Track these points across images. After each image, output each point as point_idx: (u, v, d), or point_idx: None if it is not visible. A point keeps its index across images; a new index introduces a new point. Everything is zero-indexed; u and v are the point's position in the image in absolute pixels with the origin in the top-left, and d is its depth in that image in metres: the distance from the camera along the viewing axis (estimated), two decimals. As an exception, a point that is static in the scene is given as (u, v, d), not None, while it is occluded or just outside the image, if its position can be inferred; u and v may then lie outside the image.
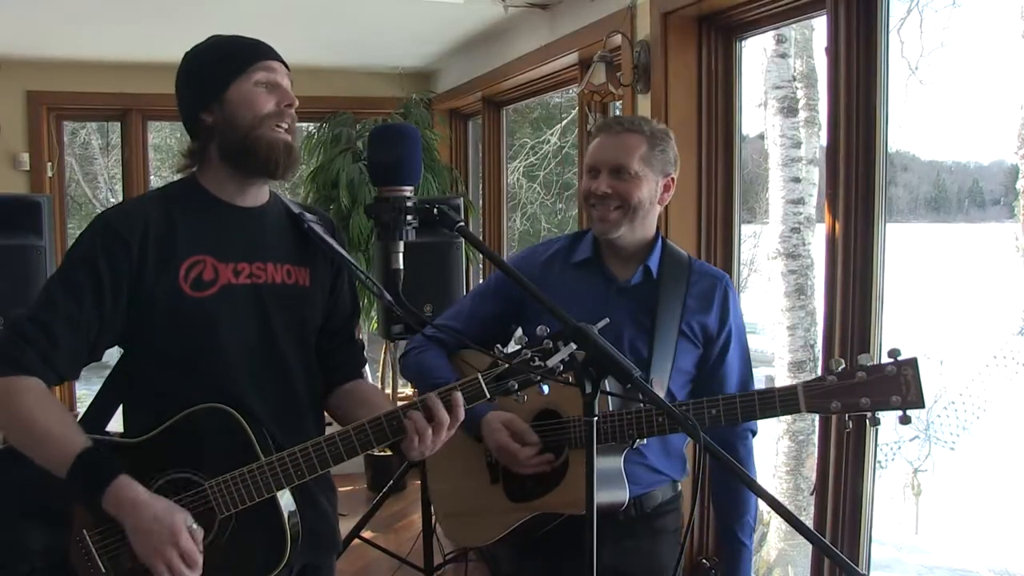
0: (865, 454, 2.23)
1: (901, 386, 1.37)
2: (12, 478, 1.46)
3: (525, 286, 1.38)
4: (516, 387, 1.36)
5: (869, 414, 1.42)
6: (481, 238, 4.54)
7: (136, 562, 1.38)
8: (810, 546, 2.11)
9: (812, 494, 2.44)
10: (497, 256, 1.44)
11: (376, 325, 3.65)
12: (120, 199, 5.20)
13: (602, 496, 1.62)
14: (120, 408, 1.57)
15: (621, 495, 1.68)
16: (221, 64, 1.49)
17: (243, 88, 1.48)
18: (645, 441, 1.67)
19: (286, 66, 1.54)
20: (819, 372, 2.33)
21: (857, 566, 2.19)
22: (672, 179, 1.79)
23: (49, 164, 4.75)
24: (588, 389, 1.25)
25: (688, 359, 1.78)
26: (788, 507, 1.30)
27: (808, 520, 2.57)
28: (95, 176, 9.95)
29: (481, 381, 1.38)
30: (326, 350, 1.65)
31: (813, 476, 2.60)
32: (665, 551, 1.82)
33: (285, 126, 1.50)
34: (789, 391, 1.49)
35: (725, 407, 1.56)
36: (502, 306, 1.85)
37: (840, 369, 1.44)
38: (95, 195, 9.81)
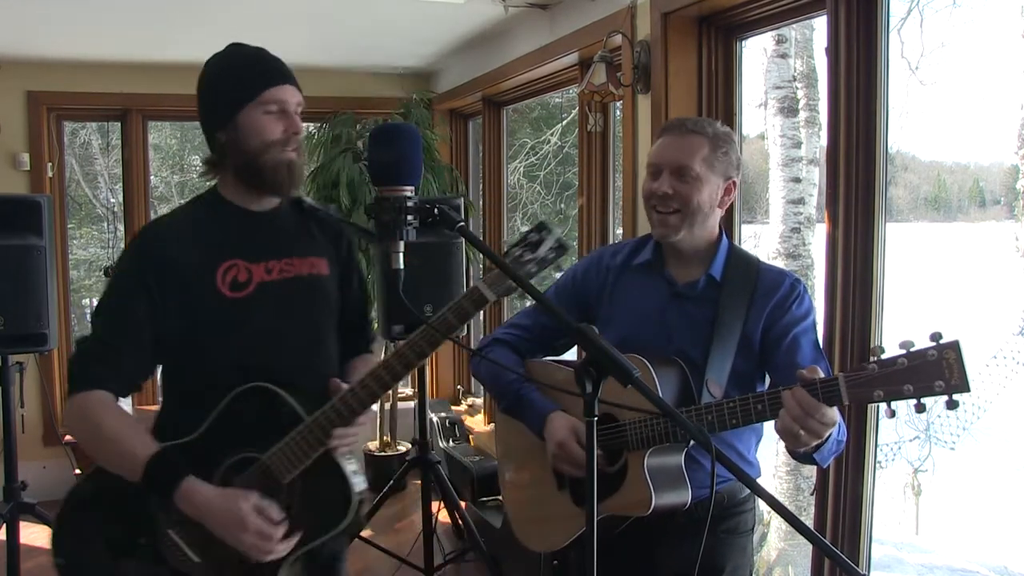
0: (865, 454, 2.23)
1: (944, 370, 1.32)
2: (95, 500, 1.58)
3: (527, 287, 1.38)
4: (515, 288, 1.44)
5: (914, 401, 1.36)
6: (481, 238, 4.54)
7: (226, 547, 1.48)
8: (810, 546, 2.12)
9: (812, 494, 2.44)
10: (497, 256, 1.43)
11: (376, 325, 3.64)
12: (120, 199, 5.19)
13: (664, 498, 1.63)
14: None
15: (684, 495, 1.66)
16: (232, 89, 1.57)
17: (252, 115, 1.56)
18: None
19: (296, 84, 1.61)
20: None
21: (857, 566, 2.20)
22: (734, 182, 1.79)
23: (49, 164, 4.74)
24: (588, 389, 1.24)
25: (751, 362, 1.75)
26: (788, 507, 1.29)
27: (808, 520, 2.57)
28: (95, 176, 9.92)
29: (481, 287, 1.45)
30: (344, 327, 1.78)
31: (813, 476, 2.59)
32: (733, 553, 1.79)
33: (291, 148, 1.59)
34: (830, 383, 1.43)
35: (770, 401, 1.52)
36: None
37: (881, 356, 1.39)
38: (95, 195, 9.78)
